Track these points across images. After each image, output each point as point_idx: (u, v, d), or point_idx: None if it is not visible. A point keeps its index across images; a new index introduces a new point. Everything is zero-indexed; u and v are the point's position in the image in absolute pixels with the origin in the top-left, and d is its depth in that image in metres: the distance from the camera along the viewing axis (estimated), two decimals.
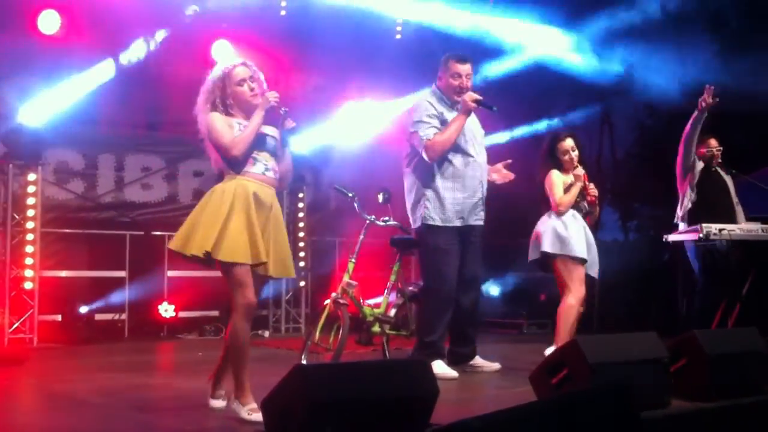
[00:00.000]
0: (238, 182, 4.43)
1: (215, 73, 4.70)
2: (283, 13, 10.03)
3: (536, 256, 6.25)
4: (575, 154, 6.29)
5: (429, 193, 6.09)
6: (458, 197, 6.06)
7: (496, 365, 6.24)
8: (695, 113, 6.98)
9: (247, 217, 4.35)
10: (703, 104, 6.73)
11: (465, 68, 6.12)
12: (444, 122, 6.03)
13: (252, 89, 4.62)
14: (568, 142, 6.32)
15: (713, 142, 7.49)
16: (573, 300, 6.06)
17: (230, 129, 4.49)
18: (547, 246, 6.10)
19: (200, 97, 4.70)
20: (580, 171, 6.24)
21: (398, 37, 10.86)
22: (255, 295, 4.39)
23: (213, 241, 4.28)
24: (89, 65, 8.90)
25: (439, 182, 6.06)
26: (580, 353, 4.09)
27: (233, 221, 4.32)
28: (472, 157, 6.09)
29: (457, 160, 6.05)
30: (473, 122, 6.21)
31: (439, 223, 6.06)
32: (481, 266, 6.33)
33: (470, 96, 5.95)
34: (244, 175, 4.46)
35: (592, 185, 6.31)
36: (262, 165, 4.49)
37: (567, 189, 6.22)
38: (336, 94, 10.71)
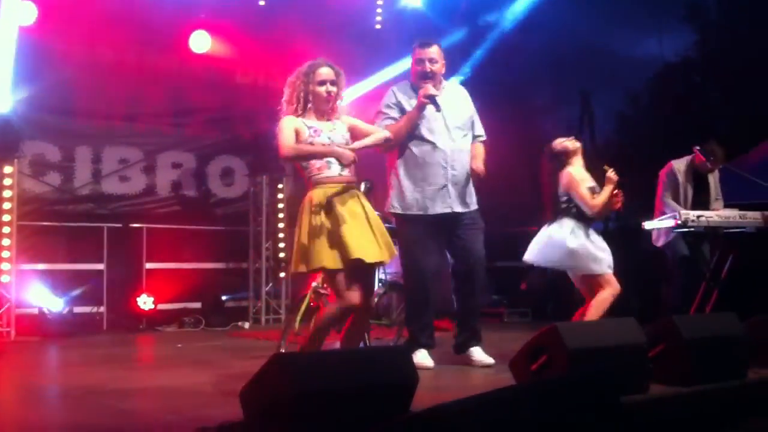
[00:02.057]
0: (315, 191, 4.67)
1: (302, 68, 4.87)
2: (261, 2, 9.98)
3: (560, 266, 5.91)
4: (570, 144, 5.94)
5: (393, 181, 6.06)
6: (418, 186, 5.94)
7: (490, 360, 5.94)
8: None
9: (326, 223, 4.60)
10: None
11: (426, 53, 5.99)
12: (404, 111, 5.97)
13: (329, 93, 4.79)
14: (557, 142, 5.99)
15: (719, 152, 7.30)
16: (609, 294, 5.67)
17: (292, 134, 4.69)
18: (587, 267, 5.72)
19: (285, 90, 4.89)
20: (612, 174, 5.76)
21: (378, 27, 10.85)
22: (362, 289, 4.63)
23: (302, 258, 4.65)
24: (63, 54, 8.81)
25: (401, 170, 6.00)
26: (560, 339, 4.10)
27: (315, 232, 4.60)
28: (433, 144, 5.92)
29: (417, 148, 5.94)
30: (448, 107, 6.00)
31: (400, 211, 6.00)
32: (475, 255, 6.04)
33: (424, 90, 5.82)
34: (321, 181, 4.69)
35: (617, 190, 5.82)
36: (337, 167, 4.69)
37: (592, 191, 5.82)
38: None
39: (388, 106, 6.02)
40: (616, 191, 5.78)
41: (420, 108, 5.86)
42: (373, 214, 4.80)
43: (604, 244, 5.80)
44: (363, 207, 4.74)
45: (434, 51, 6.03)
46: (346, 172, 4.72)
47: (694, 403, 4.30)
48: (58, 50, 8.89)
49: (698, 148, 7.31)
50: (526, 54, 10.39)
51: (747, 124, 9.60)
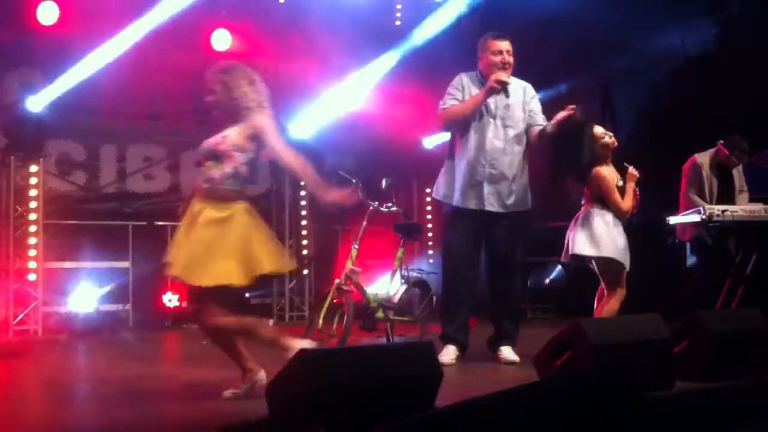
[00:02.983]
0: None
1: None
2: (282, 0, 10.01)
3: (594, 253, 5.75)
4: (610, 140, 5.84)
5: (444, 167, 6.15)
6: (456, 178, 5.99)
7: (515, 358, 5.92)
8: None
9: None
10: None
11: (505, 44, 6.01)
12: (469, 95, 6.01)
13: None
14: (598, 130, 5.89)
15: (745, 145, 7.27)
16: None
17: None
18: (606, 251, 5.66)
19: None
20: (634, 171, 5.76)
21: (398, 24, 10.86)
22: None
23: None
24: (87, 54, 8.88)
25: (448, 160, 6.10)
26: (584, 335, 4.09)
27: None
28: (478, 141, 5.92)
29: (465, 142, 5.96)
30: (509, 104, 5.99)
31: (439, 197, 6.10)
32: (506, 259, 6.03)
33: (496, 75, 5.83)
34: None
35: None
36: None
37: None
38: (337, 81, 10.69)
39: (456, 88, 6.07)
40: (635, 189, 5.75)
41: (488, 91, 5.87)
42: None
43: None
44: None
45: (509, 44, 6.05)
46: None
47: (719, 399, 4.28)
48: (80, 49, 8.95)
49: (722, 141, 7.27)
50: (546, 47, 10.34)
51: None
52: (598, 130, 5.87)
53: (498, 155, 5.94)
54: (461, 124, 5.97)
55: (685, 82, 9.96)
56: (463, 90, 6.04)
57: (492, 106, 5.98)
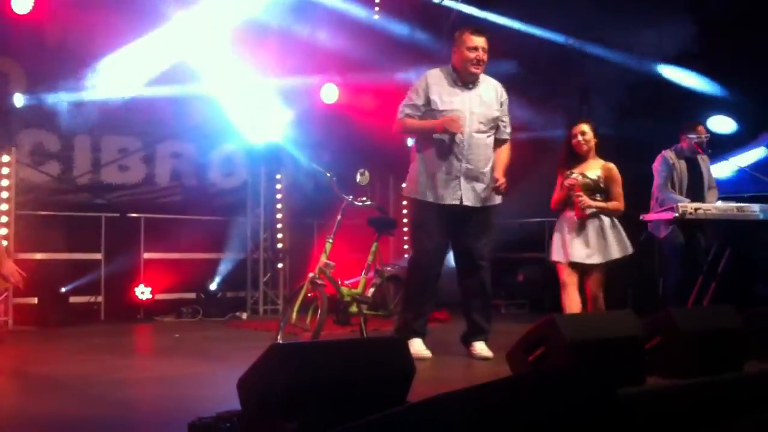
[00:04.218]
0: None
1: None
2: None
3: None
4: (580, 138, 6.01)
5: (413, 166, 6.14)
6: (433, 174, 5.98)
7: (488, 353, 5.95)
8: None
9: None
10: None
11: (481, 40, 5.99)
12: (430, 101, 5.98)
13: None
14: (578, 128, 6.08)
15: (701, 129, 7.46)
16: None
17: None
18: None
19: None
20: (575, 178, 5.93)
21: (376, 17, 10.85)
22: None
23: None
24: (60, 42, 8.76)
25: (420, 157, 6.07)
26: (557, 330, 4.10)
27: None
28: (452, 136, 5.92)
29: (438, 138, 5.96)
30: (477, 102, 6.04)
31: (413, 195, 6.08)
32: (478, 253, 6.07)
33: (457, 127, 5.84)
34: None
35: (582, 197, 5.86)
36: None
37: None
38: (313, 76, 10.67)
39: (416, 92, 6.05)
40: (581, 199, 5.86)
41: (442, 129, 5.88)
42: None
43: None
44: None
45: (485, 40, 6.03)
46: None
47: (691, 396, 4.30)
48: (55, 38, 8.83)
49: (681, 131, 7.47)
50: (525, 44, 10.38)
51: (745, 118, 9.60)
52: (579, 128, 6.02)
53: (473, 150, 5.97)
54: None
55: (663, 81, 10.02)
56: (424, 91, 5.99)
57: (467, 100, 5.99)
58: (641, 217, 7.21)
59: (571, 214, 5.92)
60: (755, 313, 5.32)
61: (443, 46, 11.16)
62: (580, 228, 5.88)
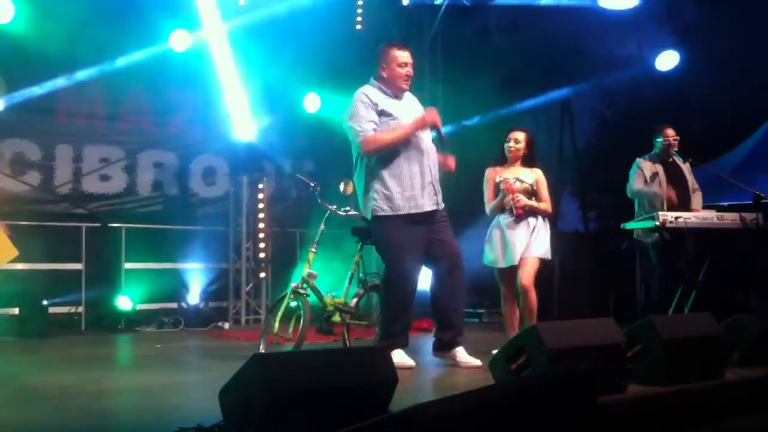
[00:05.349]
0: None
1: None
2: (242, 3, 10.01)
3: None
4: (513, 145, 6.50)
5: (374, 185, 5.95)
6: (407, 185, 5.91)
7: (476, 362, 5.89)
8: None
9: None
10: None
11: (407, 55, 6.05)
12: (381, 113, 5.94)
13: None
14: (513, 134, 6.56)
15: (670, 131, 7.57)
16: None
17: None
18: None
19: None
20: (508, 177, 6.44)
21: (359, 27, 10.89)
22: None
23: None
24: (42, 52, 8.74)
25: (384, 173, 5.92)
26: (539, 339, 4.11)
27: None
28: (417, 144, 5.94)
29: (402, 150, 5.92)
30: (415, 106, 6.14)
31: (389, 213, 5.91)
32: (455, 250, 6.07)
33: (432, 117, 5.92)
34: None
35: (519, 196, 6.33)
36: None
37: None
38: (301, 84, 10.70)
39: (367, 108, 5.93)
40: (518, 198, 6.35)
41: (419, 128, 5.93)
42: None
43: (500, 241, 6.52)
44: None
45: (410, 54, 6.10)
46: None
47: (672, 403, 4.32)
48: (37, 48, 8.80)
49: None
50: (507, 53, 10.44)
51: (723, 127, 9.70)
52: (513, 135, 6.58)
53: (432, 155, 6.07)
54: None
55: (643, 90, 10.11)
56: (374, 107, 5.94)
57: (406, 110, 6.06)
58: (621, 226, 7.27)
59: (504, 216, 6.41)
60: (735, 320, 5.36)
61: (424, 56, 11.26)
62: (517, 226, 6.34)
